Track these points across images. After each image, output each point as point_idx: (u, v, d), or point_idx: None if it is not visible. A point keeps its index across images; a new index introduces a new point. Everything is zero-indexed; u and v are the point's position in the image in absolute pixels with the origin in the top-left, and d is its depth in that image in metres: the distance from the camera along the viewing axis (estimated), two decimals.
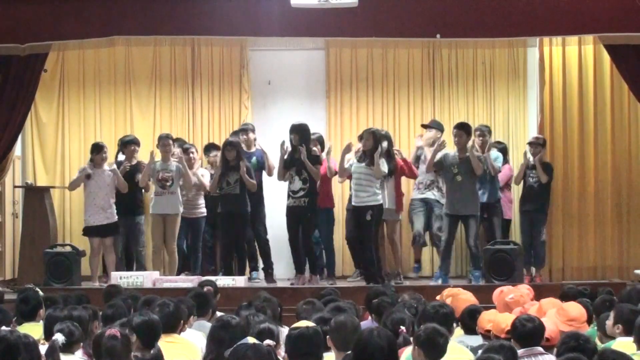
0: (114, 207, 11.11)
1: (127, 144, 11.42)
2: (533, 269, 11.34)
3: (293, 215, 10.88)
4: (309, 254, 11.02)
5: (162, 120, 12.74)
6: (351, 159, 10.97)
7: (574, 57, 11.98)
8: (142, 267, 11.32)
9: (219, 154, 11.43)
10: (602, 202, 11.96)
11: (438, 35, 11.54)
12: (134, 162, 11.38)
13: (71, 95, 12.76)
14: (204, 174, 11.58)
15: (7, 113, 11.30)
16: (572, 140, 11.93)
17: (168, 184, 11.04)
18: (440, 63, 12.85)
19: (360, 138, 10.96)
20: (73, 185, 11.40)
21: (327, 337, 5.17)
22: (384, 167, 10.71)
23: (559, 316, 6.12)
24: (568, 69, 11.97)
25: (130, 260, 11.54)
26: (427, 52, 12.85)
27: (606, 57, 11.68)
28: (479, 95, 12.86)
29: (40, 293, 7.26)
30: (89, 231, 11.16)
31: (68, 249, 10.90)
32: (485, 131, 11.58)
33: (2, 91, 11.30)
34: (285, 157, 10.90)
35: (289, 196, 10.89)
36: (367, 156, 10.71)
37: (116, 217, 11.13)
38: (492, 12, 11.19)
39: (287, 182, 10.95)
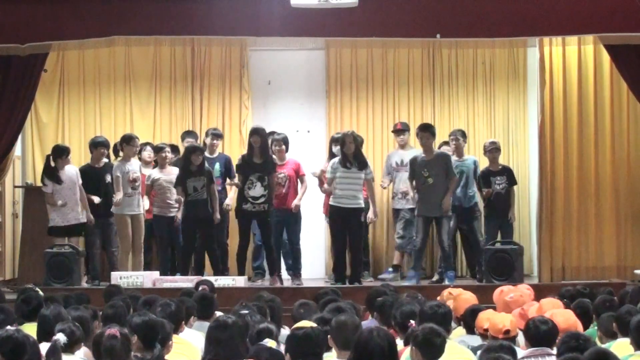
0: (80, 207, 11.07)
1: (97, 146, 11.31)
2: None
3: (250, 220, 10.96)
4: (273, 255, 11.08)
5: (162, 120, 12.74)
6: (327, 166, 10.96)
7: (574, 57, 11.96)
8: (114, 269, 11.19)
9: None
10: (602, 202, 11.95)
11: (438, 35, 11.54)
12: (102, 164, 11.29)
13: (71, 95, 12.76)
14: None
15: (7, 113, 11.29)
16: (571, 140, 11.92)
17: (137, 184, 11.02)
18: (440, 63, 12.86)
19: (336, 142, 10.94)
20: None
21: (329, 336, 5.18)
22: (372, 173, 10.92)
23: None
24: (568, 69, 11.95)
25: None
26: (427, 52, 12.84)
27: (606, 57, 11.67)
28: (479, 95, 12.86)
29: (40, 293, 7.26)
30: (54, 231, 11.10)
31: (68, 249, 10.88)
32: (458, 135, 11.62)
33: (2, 91, 11.29)
34: (239, 162, 11.00)
35: (246, 201, 10.84)
36: (351, 160, 10.71)
37: (83, 218, 11.08)
38: (492, 12, 11.18)
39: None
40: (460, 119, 12.61)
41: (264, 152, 10.90)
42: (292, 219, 11.39)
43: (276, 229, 11.28)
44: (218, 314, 6.98)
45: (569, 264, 11.76)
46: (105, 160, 11.39)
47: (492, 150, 11.55)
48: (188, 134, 12.05)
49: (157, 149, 11.43)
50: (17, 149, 12.00)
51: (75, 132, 12.69)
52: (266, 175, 10.83)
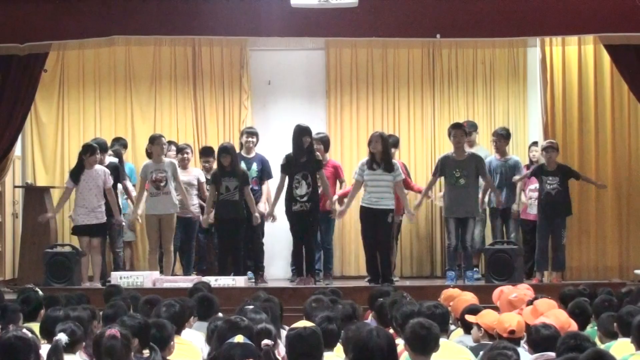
0: (104, 207, 11.04)
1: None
2: (549, 272, 11.29)
3: (299, 219, 10.84)
4: (311, 255, 11.03)
5: (162, 120, 12.74)
6: (358, 170, 10.88)
7: (574, 57, 11.97)
8: (119, 268, 11.24)
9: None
10: (603, 202, 11.94)
11: (438, 35, 11.54)
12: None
13: (71, 95, 12.77)
14: (199, 176, 11.53)
15: (7, 113, 11.30)
16: (572, 141, 11.93)
17: (162, 184, 10.97)
18: (440, 63, 12.86)
19: (369, 143, 10.85)
20: (63, 200, 11.24)
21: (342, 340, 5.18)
22: (401, 175, 10.83)
23: None
24: (568, 69, 11.96)
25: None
26: (427, 52, 12.85)
27: (606, 57, 11.68)
28: (479, 95, 12.87)
29: (40, 293, 7.26)
30: (77, 230, 11.09)
31: (68, 249, 10.87)
32: (501, 134, 11.52)
33: (2, 91, 11.30)
34: (283, 162, 10.83)
35: (295, 201, 10.75)
36: (378, 161, 10.70)
37: (105, 218, 11.03)
38: (492, 12, 11.19)
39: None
40: (460, 119, 12.56)
41: (309, 151, 10.81)
42: (326, 220, 11.34)
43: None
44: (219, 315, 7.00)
45: (569, 264, 11.73)
46: (109, 159, 11.40)
47: (548, 149, 11.19)
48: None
49: (179, 150, 11.45)
50: (17, 149, 12.01)
51: (75, 132, 12.70)
52: (310, 173, 10.74)
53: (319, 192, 10.86)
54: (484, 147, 11.78)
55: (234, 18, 11.23)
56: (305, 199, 10.73)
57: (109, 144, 11.70)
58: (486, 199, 11.43)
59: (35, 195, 11.65)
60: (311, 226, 10.92)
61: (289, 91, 12.96)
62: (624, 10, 10.96)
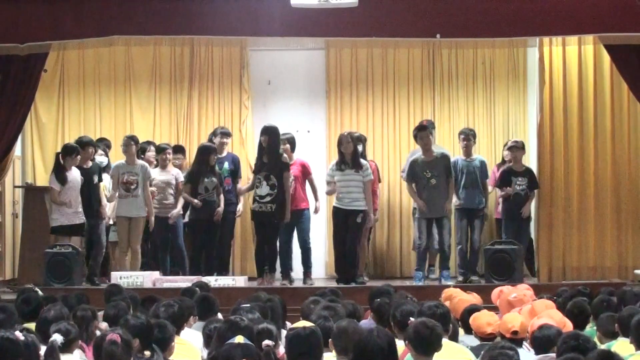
0: (81, 207, 11.03)
1: (84, 146, 11.21)
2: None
3: (258, 220, 10.90)
4: (279, 257, 11.02)
5: (162, 120, 12.76)
6: (329, 171, 10.89)
7: (574, 57, 11.96)
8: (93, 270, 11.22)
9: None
10: (602, 202, 11.93)
11: (438, 35, 11.52)
12: (89, 164, 11.23)
13: (71, 95, 12.78)
14: (177, 175, 11.45)
15: (7, 113, 11.28)
16: (572, 141, 11.91)
17: (132, 187, 10.98)
18: (440, 63, 12.87)
19: (340, 144, 10.89)
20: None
21: (330, 339, 5.16)
22: (370, 175, 10.84)
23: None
24: (568, 69, 11.94)
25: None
26: (427, 52, 12.86)
27: (606, 57, 11.67)
28: (479, 95, 12.88)
29: (40, 293, 7.26)
30: (57, 230, 11.04)
31: (68, 249, 10.87)
32: (469, 135, 11.57)
33: (2, 91, 11.28)
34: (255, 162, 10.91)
35: (254, 200, 10.81)
36: (347, 161, 10.70)
37: (84, 218, 11.02)
38: (492, 12, 11.17)
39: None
40: (460, 119, 12.61)
41: (271, 151, 10.82)
42: (301, 219, 11.34)
43: (285, 230, 11.24)
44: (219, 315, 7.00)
45: (569, 264, 11.74)
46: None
47: (512, 148, 11.38)
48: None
49: (159, 150, 11.44)
50: (17, 149, 12.00)
51: (75, 132, 12.67)
52: (273, 174, 10.74)
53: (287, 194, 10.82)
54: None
55: (234, 18, 11.21)
56: (267, 200, 10.71)
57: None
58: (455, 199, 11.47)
59: (35, 195, 11.63)
60: (274, 228, 10.87)
61: (289, 91, 12.97)
62: (624, 10, 10.95)
